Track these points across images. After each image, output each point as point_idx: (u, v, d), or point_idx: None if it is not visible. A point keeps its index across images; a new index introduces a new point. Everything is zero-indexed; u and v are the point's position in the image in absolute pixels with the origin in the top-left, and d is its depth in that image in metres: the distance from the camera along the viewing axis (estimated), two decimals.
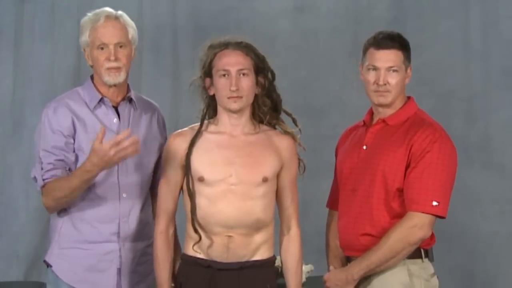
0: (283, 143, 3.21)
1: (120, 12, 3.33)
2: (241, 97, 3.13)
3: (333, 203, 3.43)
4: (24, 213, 4.96)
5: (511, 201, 5.01)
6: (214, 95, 3.19)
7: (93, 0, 4.53)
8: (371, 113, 3.35)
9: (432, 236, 3.22)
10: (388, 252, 3.15)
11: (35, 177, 3.26)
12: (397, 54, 3.24)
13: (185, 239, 3.21)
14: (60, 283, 3.28)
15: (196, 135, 3.18)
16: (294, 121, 3.25)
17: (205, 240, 3.15)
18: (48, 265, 3.31)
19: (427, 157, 3.16)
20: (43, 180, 3.21)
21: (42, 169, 3.23)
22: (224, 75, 3.13)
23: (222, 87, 3.13)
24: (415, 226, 3.14)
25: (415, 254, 3.20)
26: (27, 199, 4.88)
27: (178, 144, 3.18)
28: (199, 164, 3.14)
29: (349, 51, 5.02)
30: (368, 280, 3.22)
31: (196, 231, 3.13)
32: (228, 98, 3.13)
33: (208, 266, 3.15)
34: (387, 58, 3.23)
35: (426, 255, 3.23)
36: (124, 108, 3.34)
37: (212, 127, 3.21)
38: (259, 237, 3.17)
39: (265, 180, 3.14)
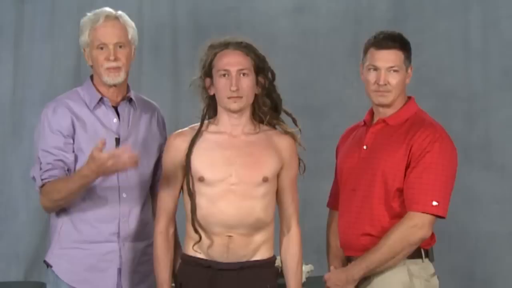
0: (283, 143, 3.21)
1: (120, 12, 3.33)
2: (241, 97, 3.13)
3: (333, 203, 3.43)
4: (24, 213, 4.96)
5: (511, 201, 5.00)
6: (214, 95, 3.19)
7: (93, 0, 4.54)
8: (371, 113, 3.35)
9: (432, 236, 3.22)
10: (388, 252, 3.15)
11: (33, 177, 3.27)
12: (397, 54, 3.24)
13: (185, 239, 3.21)
14: (60, 283, 3.28)
15: (196, 135, 3.18)
16: (294, 121, 3.25)
17: (205, 240, 3.14)
18: (48, 265, 3.31)
19: (427, 157, 3.16)
20: (42, 180, 3.22)
21: (40, 169, 3.23)
22: (224, 75, 3.13)
23: (222, 87, 3.13)
24: (415, 226, 3.14)
25: (416, 254, 3.19)
26: (27, 199, 4.88)
27: (178, 144, 3.18)
28: (199, 164, 3.14)
29: (349, 51, 5.02)
30: (368, 280, 3.22)
31: (196, 231, 3.13)
32: (228, 98, 3.13)
33: (208, 266, 3.15)
34: (387, 58, 3.23)
35: (427, 255, 3.23)
36: (123, 108, 3.34)
37: (212, 127, 3.21)
38: (259, 237, 3.17)
39: (265, 180, 3.14)
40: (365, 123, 3.36)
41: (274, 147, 3.19)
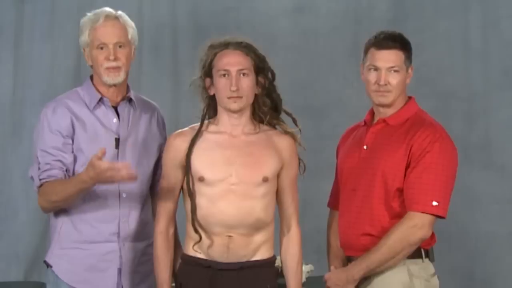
0: (283, 143, 3.21)
1: (119, 12, 3.33)
2: (241, 97, 3.13)
3: (334, 203, 3.43)
4: (24, 213, 4.96)
5: (511, 201, 5.01)
6: (214, 95, 3.19)
7: (93, 0, 4.54)
8: (372, 113, 3.35)
9: (432, 236, 3.22)
10: (388, 252, 3.15)
11: (32, 177, 3.27)
12: (398, 54, 3.24)
13: (185, 239, 3.21)
14: (60, 283, 3.28)
15: (196, 135, 3.18)
16: (294, 121, 3.25)
17: (205, 240, 3.14)
18: (48, 266, 3.31)
19: (427, 157, 3.15)
20: (40, 180, 3.22)
21: (39, 169, 3.23)
22: (224, 75, 3.13)
23: (222, 87, 3.13)
24: (415, 226, 3.14)
25: (416, 254, 3.19)
26: (27, 199, 4.87)
27: (178, 144, 3.18)
28: (199, 164, 3.14)
29: (349, 51, 5.02)
30: (368, 280, 3.22)
31: (196, 231, 3.13)
32: (228, 98, 3.13)
33: (208, 266, 3.15)
34: (388, 58, 3.23)
35: (427, 255, 3.23)
36: (123, 108, 3.34)
37: (212, 127, 3.21)
38: (259, 237, 3.17)
39: (265, 180, 3.14)
40: (365, 123, 3.36)
41: (274, 147, 3.19)
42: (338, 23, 5.15)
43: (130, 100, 3.36)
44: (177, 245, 3.28)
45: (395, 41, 3.24)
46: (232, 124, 3.18)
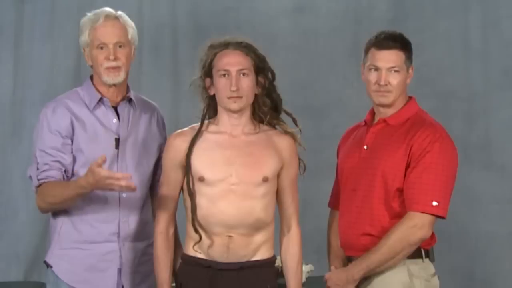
0: (283, 143, 3.21)
1: (119, 12, 3.33)
2: (241, 97, 3.13)
3: (335, 202, 3.43)
4: (24, 213, 4.96)
5: (511, 201, 5.01)
6: (214, 95, 3.19)
7: (93, 0, 4.54)
8: (372, 113, 3.35)
9: (432, 236, 3.22)
10: (388, 252, 3.15)
11: (30, 176, 3.27)
12: (398, 55, 3.24)
13: (185, 239, 3.21)
14: (60, 284, 3.28)
15: (197, 135, 3.18)
16: (294, 121, 3.25)
17: (205, 240, 3.15)
18: (48, 266, 3.31)
19: (427, 157, 3.15)
20: (38, 180, 3.22)
21: (37, 169, 3.23)
22: (224, 75, 3.13)
23: (222, 87, 3.13)
24: (415, 226, 3.14)
25: (416, 254, 3.19)
26: (27, 199, 4.87)
27: (178, 144, 3.18)
28: (199, 164, 3.14)
29: (349, 51, 5.02)
30: (368, 280, 3.22)
31: (196, 231, 3.13)
32: (228, 98, 3.13)
33: (208, 266, 3.15)
34: (388, 58, 3.23)
35: (427, 255, 3.23)
36: (123, 108, 3.34)
37: (212, 127, 3.21)
38: (259, 237, 3.17)
39: (265, 180, 3.14)
40: (366, 123, 3.36)
41: (274, 147, 3.19)
42: (338, 23, 5.15)
43: (130, 100, 3.36)
44: (177, 245, 3.28)
45: (396, 41, 3.24)
46: (232, 124, 3.18)
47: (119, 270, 3.29)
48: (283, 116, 3.27)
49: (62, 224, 3.29)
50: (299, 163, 3.24)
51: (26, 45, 5.08)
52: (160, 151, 3.35)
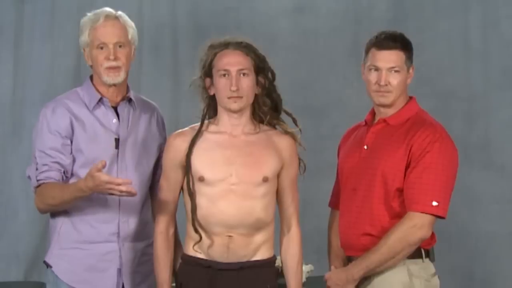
0: (284, 143, 3.21)
1: (119, 12, 3.33)
2: (241, 97, 3.13)
3: (335, 202, 3.43)
4: (24, 213, 4.96)
5: (511, 201, 5.01)
6: (214, 95, 3.19)
7: (93, 0, 4.55)
8: (373, 113, 3.35)
9: (432, 236, 3.22)
10: (388, 252, 3.15)
11: (29, 176, 3.27)
12: (398, 55, 3.24)
13: (185, 239, 3.21)
14: (60, 284, 3.27)
15: (197, 135, 3.17)
16: (294, 121, 3.25)
17: (205, 240, 3.14)
18: (48, 266, 3.31)
19: (427, 157, 3.15)
20: (37, 181, 3.22)
21: (37, 169, 3.23)
22: (224, 75, 3.13)
23: (222, 87, 3.13)
24: (414, 226, 3.14)
25: (416, 254, 3.19)
26: (27, 199, 4.87)
27: (178, 144, 3.18)
28: (199, 164, 3.14)
29: (349, 51, 5.02)
30: (368, 280, 3.22)
31: (196, 231, 3.13)
32: (228, 98, 3.13)
33: (208, 266, 3.15)
34: (388, 58, 3.23)
35: (427, 255, 3.23)
36: (123, 109, 3.34)
37: (212, 127, 3.21)
38: (259, 237, 3.17)
39: (265, 180, 3.14)
40: (366, 123, 3.36)
41: (274, 147, 3.19)
42: (338, 23, 5.15)
43: (129, 100, 3.36)
44: (177, 245, 3.28)
45: (396, 41, 3.24)
46: (232, 124, 3.18)
47: (119, 270, 3.28)
48: (283, 116, 3.27)
49: (62, 224, 3.29)
50: (299, 163, 3.24)
51: (26, 45, 5.08)
52: (160, 151, 3.35)
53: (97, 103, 3.30)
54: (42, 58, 5.07)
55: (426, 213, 3.14)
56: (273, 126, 3.24)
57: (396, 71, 3.23)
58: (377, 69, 3.24)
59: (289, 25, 5.18)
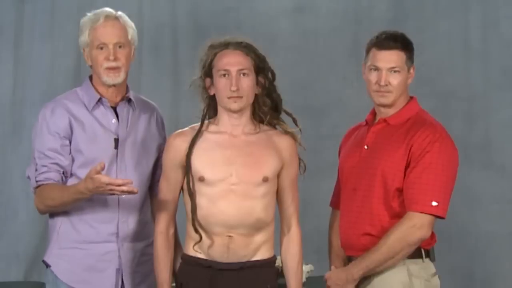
0: (284, 142, 3.21)
1: (119, 13, 3.33)
2: (241, 97, 3.13)
3: (336, 202, 3.43)
4: (24, 213, 4.96)
5: (511, 201, 5.01)
6: (214, 95, 3.19)
7: (93, 0, 4.55)
8: (373, 113, 3.35)
9: (432, 235, 3.22)
10: (387, 252, 3.15)
11: (28, 177, 3.27)
12: (399, 55, 3.24)
13: (185, 239, 3.21)
14: (59, 283, 3.27)
15: (197, 135, 3.17)
16: (295, 121, 3.25)
17: (205, 240, 3.14)
18: (47, 265, 3.31)
19: (427, 157, 3.15)
20: (37, 182, 3.22)
21: (36, 170, 3.23)
22: (224, 75, 3.13)
23: (222, 87, 3.13)
24: (414, 226, 3.14)
25: (416, 254, 3.19)
26: (27, 199, 4.87)
27: (178, 144, 3.18)
28: (199, 164, 3.14)
29: (349, 51, 5.02)
30: (368, 280, 3.22)
31: (196, 231, 3.13)
32: (229, 98, 3.13)
33: (208, 266, 3.15)
34: (389, 58, 3.23)
35: (427, 255, 3.23)
36: (122, 109, 3.34)
37: (212, 127, 3.20)
38: (259, 237, 3.17)
39: (265, 180, 3.14)
40: (367, 122, 3.36)
41: (274, 147, 3.19)
42: (338, 23, 5.15)
43: (129, 100, 3.36)
44: (177, 245, 3.28)
45: (396, 41, 3.24)
46: (232, 124, 3.18)
47: (118, 270, 3.28)
48: (283, 116, 3.27)
49: (61, 223, 3.29)
50: (299, 163, 3.24)
51: (26, 45, 5.08)
52: (160, 151, 3.35)
53: (96, 103, 3.30)
54: (42, 58, 5.07)
55: (426, 213, 3.14)
56: (273, 126, 3.24)
57: (396, 71, 3.23)
58: (377, 69, 3.24)
59: (289, 25, 5.18)
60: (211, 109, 3.23)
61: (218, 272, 3.14)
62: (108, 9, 3.32)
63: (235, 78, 3.12)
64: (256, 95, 3.19)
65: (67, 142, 3.25)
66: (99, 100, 3.30)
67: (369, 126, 3.33)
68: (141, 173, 3.32)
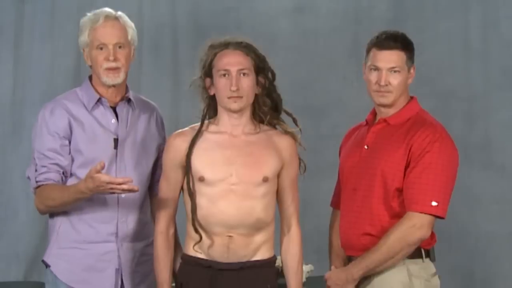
0: (284, 142, 3.21)
1: (119, 13, 3.33)
2: (241, 97, 3.13)
3: (337, 202, 3.43)
4: (24, 213, 4.96)
5: (511, 201, 5.01)
6: (214, 95, 3.19)
7: (93, 0, 4.55)
8: (374, 113, 3.35)
9: (432, 235, 3.22)
10: (387, 252, 3.15)
11: (28, 177, 3.27)
12: (399, 55, 3.24)
13: (185, 239, 3.21)
14: (59, 283, 3.27)
15: (197, 135, 3.17)
16: (295, 121, 3.25)
17: (205, 240, 3.14)
18: (47, 265, 3.31)
19: (426, 157, 3.15)
20: (36, 182, 3.22)
21: (36, 170, 3.23)
22: (224, 75, 3.13)
23: (222, 87, 3.13)
24: (413, 226, 3.14)
25: (416, 254, 3.19)
26: (27, 199, 4.87)
27: (178, 144, 3.18)
28: (199, 164, 3.14)
29: (349, 51, 5.02)
30: (368, 280, 3.22)
31: (196, 231, 3.13)
32: (229, 98, 3.13)
33: (208, 266, 3.15)
34: (389, 58, 3.23)
35: (427, 255, 3.23)
36: (122, 109, 3.34)
37: (212, 127, 3.21)
38: (259, 237, 3.17)
39: (265, 180, 3.14)
40: (367, 122, 3.36)
41: (275, 147, 3.19)
42: (338, 23, 5.15)
43: (129, 100, 3.36)
44: (177, 245, 3.28)
45: (397, 41, 3.24)
46: (232, 124, 3.18)
47: (117, 270, 3.28)
48: (283, 116, 3.27)
49: (61, 223, 3.29)
50: (299, 163, 3.24)
51: (26, 45, 5.08)
52: (159, 151, 3.35)
53: (96, 103, 3.30)
54: (42, 58, 5.07)
55: (426, 213, 3.14)
56: (273, 126, 3.24)
57: (396, 71, 3.23)
58: (377, 69, 3.24)
59: (289, 25, 5.18)
60: (211, 109, 3.23)
61: (218, 272, 3.14)
62: (108, 9, 3.32)
63: (235, 78, 3.12)
64: (256, 95, 3.19)
65: (67, 142, 3.25)
66: (99, 100, 3.30)
67: (369, 126, 3.33)
68: (140, 173, 3.32)
